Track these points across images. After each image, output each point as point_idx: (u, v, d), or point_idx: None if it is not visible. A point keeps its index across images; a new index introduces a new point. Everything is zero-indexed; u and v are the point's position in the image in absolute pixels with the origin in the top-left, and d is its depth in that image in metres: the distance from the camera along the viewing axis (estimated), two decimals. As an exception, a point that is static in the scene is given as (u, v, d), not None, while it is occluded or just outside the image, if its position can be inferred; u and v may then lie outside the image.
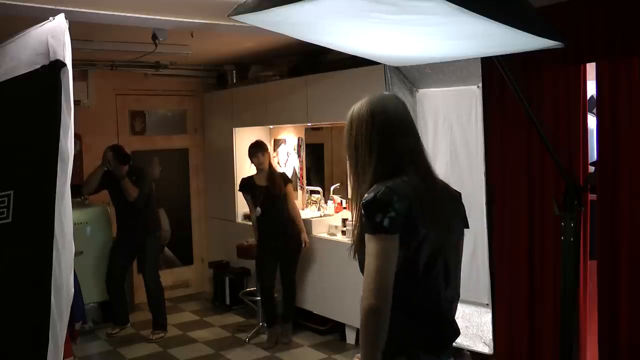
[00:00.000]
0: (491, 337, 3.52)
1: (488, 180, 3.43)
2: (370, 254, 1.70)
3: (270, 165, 5.44)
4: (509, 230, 3.89)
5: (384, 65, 3.53)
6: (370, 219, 1.70)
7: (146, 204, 5.52)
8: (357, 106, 1.89)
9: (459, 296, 1.94)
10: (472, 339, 3.59)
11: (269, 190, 5.23)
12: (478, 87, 3.47)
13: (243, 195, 5.44)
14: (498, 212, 3.84)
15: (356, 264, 1.95)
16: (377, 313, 1.67)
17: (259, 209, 5.25)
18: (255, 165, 5.36)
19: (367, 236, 1.72)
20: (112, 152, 5.38)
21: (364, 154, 1.83)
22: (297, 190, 6.16)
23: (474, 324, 3.56)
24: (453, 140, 3.63)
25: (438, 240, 1.78)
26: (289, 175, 6.18)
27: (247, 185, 5.38)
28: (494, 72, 3.43)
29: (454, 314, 1.91)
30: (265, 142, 6.37)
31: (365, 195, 1.74)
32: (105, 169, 5.39)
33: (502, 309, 3.83)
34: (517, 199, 3.84)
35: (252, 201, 5.33)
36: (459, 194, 2.00)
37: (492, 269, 3.46)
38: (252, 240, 5.56)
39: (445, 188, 1.93)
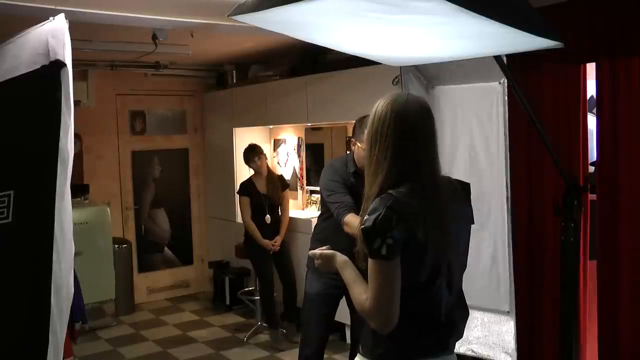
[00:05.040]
0: (514, 346, 3.40)
1: (510, 181, 3.34)
2: (371, 275, 1.73)
3: (268, 167, 5.48)
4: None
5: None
6: (368, 245, 1.71)
7: None
8: (381, 105, 1.86)
9: (464, 295, 1.94)
10: (493, 347, 3.47)
11: (272, 199, 5.30)
12: (500, 83, 3.36)
13: (241, 199, 5.44)
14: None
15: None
16: (380, 331, 1.76)
17: (268, 216, 5.30)
18: (253, 170, 5.41)
19: (368, 258, 1.73)
20: None
21: (380, 154, 1.81)
22: (297, 190, 6.16)
23: (494, 333, 3.46)
24: (472, 139, 3.52)
25: (441, 252, 1.77)
26: (289, 174, 6.19)
27: (248, 189, 5.40)
28: (516, 68, 3.36)
29: (458, 316, 1.91)
30: (266, 142, 6.38)
31: (366, 216, 1.73)
32: None
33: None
34: (517, 199, 3.84)
35: (250, 206, 5.35)
36: (466, 186, 1.98)
37: (514, 275, 3.38)
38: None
39: (451, 189, 1.91)
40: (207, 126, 7.03)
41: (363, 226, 1.72)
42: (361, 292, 1.78)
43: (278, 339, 5.22)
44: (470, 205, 1.98)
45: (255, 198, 5.34)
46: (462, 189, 1.97)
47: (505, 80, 3.31)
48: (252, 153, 5.41)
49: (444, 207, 1.80)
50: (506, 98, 3.34)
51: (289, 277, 5.33)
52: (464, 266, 1.93)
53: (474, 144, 3.53)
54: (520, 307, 3.80)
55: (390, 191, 1.75)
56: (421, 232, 1.71)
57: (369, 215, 1.72)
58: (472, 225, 1.98)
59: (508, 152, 3.37)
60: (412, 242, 1.71)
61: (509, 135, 3.35)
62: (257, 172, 5.41)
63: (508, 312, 3.44)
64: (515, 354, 3.41)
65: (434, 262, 1.76)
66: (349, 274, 1.87)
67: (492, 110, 3.42)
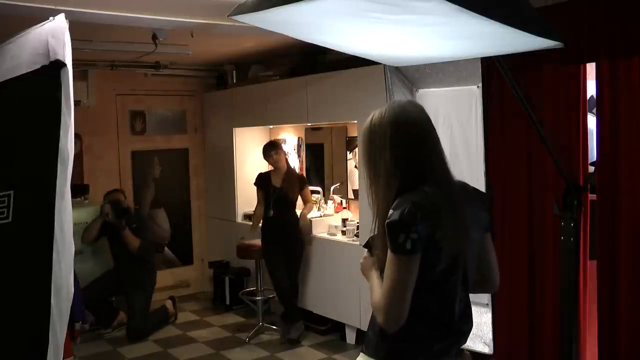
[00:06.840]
0: (491, 337, 3.51)
1: (489, 180, 3.41)
2: (388, 269, 1.72)
3: (288, 164, 5.46)
4: (509, 230, 3.89)
5: (384, 65, 3.53)
6: (392, 240, 1.70)
7: (148, 256, 5.70)
8: (377, 115, 1.85)
9: (470, 301, 1.94)
10: (472, 339, 3.59)
11: (283, 193, 5.25)
12: (478, 87, 3.47)
13: (257, 190, 5.45)
14: (498, 212, 3.84)
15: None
16: (387, 328, 1.74)
17: (272, 210, 5.26)
18: (271, 165, 5.40)
19: (389, 253, 1.72)
20: (109, 205, 5.54)
21: (384, 163, 1.80)
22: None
23: (474, 324, 3.58)
24: (453, 140, 3.62)
25: (456, 251, 1.77)
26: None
27: (262, 181, 5.40)
28: (494, 72, 3.43)
29: (466, 326, 1.91)
30: (266, 142, 6.38)
31: (390, 211, 1.72)
32: (104, 220, 5.57)
33: (502, 309, 3.83)
34: (517, 199, 3.84)
35: (263, 199, 5.34)
36: (482, 194, 1.99)
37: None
38: (249, 240, 5.58)
39: (465, 193, 1.90)
40: (207, 126, 7.03)
41: (388, 220, 1.71)
42: (379, 293, 1.77)
43: (289, 332, 5.21)
44: (487, 212, 1.97)
45: (266, 190, 5.34)
46: (477, 195, 1.96)
47: (481, 84, 3.43)
48: (270, 147, 5.42)
49: (459, 208, 1.80)
50: (480, 101, 3.44)
51: (292, 278, 5.31)
52: (475, 270, 1.92)
53: (456, 143, 3.62)
54: (516, 304, 3.83)
55: (407, 194, 1.75)
56: (439, 232, 1.72)
57: (394, 210, 1.71)
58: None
59: (486, 154, 3.45)
60: (430, 240, 1.71)
61: (488, 136, 3.43)
62: (276, 167, 5.39)
63: (487, 304, 3.57)
64: (492, 344, 3.51)
65: (447, 263, 1.76)
66: (377, 282, 1.83)
67: (470, 113, 3.51)
